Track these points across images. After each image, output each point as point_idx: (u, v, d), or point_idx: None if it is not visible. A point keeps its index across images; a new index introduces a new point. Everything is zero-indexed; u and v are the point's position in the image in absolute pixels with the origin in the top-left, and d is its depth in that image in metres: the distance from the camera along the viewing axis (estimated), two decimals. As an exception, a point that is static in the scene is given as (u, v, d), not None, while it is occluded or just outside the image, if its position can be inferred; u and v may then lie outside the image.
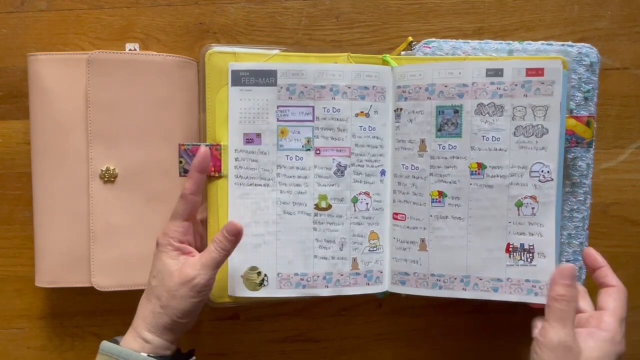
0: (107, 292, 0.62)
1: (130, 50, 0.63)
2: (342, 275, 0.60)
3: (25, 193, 0.66)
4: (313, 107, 0.59)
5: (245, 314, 0.69)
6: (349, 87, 0.59)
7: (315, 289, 0.60)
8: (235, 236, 0.54)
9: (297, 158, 0.60)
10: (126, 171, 0.62)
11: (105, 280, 0.62)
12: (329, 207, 0.60)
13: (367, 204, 0.60)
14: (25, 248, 0.67)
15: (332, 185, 0.60)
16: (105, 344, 0.54)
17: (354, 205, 0.60)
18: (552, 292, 0.51)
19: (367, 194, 0.60)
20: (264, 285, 0.60)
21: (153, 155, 0.62)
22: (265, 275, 0.60)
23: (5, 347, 0.68)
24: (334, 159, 0.59)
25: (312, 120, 0.59)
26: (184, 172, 0.59)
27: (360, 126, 0.59)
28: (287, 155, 0.59)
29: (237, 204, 0.60)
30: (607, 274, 0.55)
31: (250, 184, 0.60)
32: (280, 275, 0.60)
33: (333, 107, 0.59)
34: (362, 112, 0.59)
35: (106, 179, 0.62)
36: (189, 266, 0.54)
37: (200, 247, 0.59)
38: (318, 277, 0.60)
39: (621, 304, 0.53)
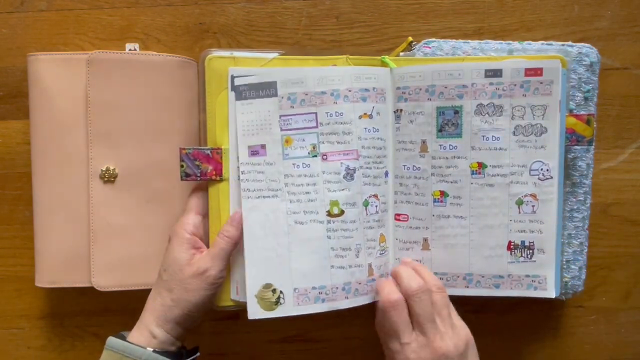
0: (107, 292, 0.62)
1: (130, 50, 0.63)
2: (360, 283, 0.59)
3: (25, 193, 0.66)
4: (316, 114, 0.58)
5: (245, 314, 0.68)
6: (349, 91, 0.58)
7: (336, 302, 0.58)
8: (240, 223, 0.57)
9: (305, 165, 0.58)
10: (126, 171, 0.62)
11: (105, 280, 0.62)
12: (342, 212, 0.58)
13: (376, 206, 0.59)
14: (25, 248, 0.67)
15: (343, 189, 0.58)
16: (111, 340, 0.54)
17: (366, 209, 0.59)
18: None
19: (375, 196, 0.59)
20: (281, 303, 0.57)
21: (153, 155, 0.62)
22: (281, 292, 0.57)
23: (5, 347, 0.68)
24: (341, 162, 0.58)
25: (316, 127, 0.58)
26: (186, 175, 0.59)
27: (365, 128, 0.59)
28: (293, 164, 0.58)
29: (246, 218, 0.58)
30: None
31: (259, 197, 0.58)
32: (297, 291, 0.57)
33: (336, 112, 0.58)
34: (365, 113, 0.59)
35: (106, 179, 0.62)
36: (200, 260, 0.55)
37: (208, 246, 0.59)
38: (337, 288, 0.58)
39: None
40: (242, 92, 0.58)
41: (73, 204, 0.62)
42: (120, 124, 0.61)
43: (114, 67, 0.61)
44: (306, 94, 0.58)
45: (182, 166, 0.59)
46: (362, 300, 0.59)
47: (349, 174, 0.58)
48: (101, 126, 0.61)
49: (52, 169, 0.62)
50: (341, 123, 0.58)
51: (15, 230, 0.67)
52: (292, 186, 0.58)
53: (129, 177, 0.62)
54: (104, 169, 0.62)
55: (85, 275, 0.62)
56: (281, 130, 0.58)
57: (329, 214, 0.58)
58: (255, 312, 0.58)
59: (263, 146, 0.58)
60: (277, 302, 0.57)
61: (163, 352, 0.54)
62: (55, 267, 0.62)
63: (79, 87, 0.61)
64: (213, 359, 0.69)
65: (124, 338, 0.54)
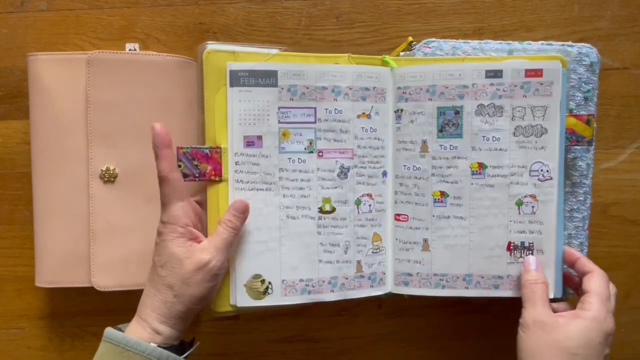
0: (107, 292, 0.62)
1: (130, 50, 0.63)
2: (347, 278, 0.59)
3: (25, 193, 0.66)
4: (315, 109, 0.58)
5: (245, 314, 0.69)
6: (350, 89, 0.58)
7: (321, 294, 0.59)
8: (243, 213, 0.56)
9: (300, 161, 0.58)
10: (126, 171, 0.62)
11: (105, 280, 0.62)
12: (333, 210, 0.59)
13: (369, 205, 0.60)
14: (25, 248, 0.67)
15: (336, 187, 0.59)
16: (109, 331, 0.52)
17: (357, 208, 0.60)
18: (522, 280, 0.57)
19: (369, 195, 0.60)
20: (269, 293, 0.58)
21: (153, 155, 0.62)
22: (270, 283, 0.58)
23: (5, 347, 0.68)
24: (337, 160, 0.59)
25: (314, 122, 0.58)
26: (184, 176, 0.57)
27: (362, 127, 0.59)
28: (289, 158, 0.58)
29: None
30: (585, 263, 0.58)
31: (252, 189, 0.58)
32: (285, 282, 0.58)
33: (335, 109, 0.58)
34: (363, 113, 0.59)
35: (106, 179, 0.62)
36: (201, 251, 0.53)
37: (202, 230, 0.57)
38: (323, 282, 0.59)
39: (601, 285, 0.55)
40: (241, 79, 0.57)
41: (73, 204, 0.62)
42: (120, 124, 0.61)
43: (114, 67, 0.61)
44: (307, 88, 0.58)
45: (179, 166, 0.57)
46: (349, 295, 0.60)
47: (343, 172, 0.59)
48: (101, 126, 0.61)
49: (52, 169, 0.62)
50: (339, 121, 0.59)
51: (15, 230, 0.67)
52: (287, 180, 0.58)
53: (129, 177, 0.62)
54: (104, 169, 0.62)
55: (85, 275, 0.62)
56: (279, 122, 0.58)
57: (321, 210, 0.59)
58: (243, 299, 0.58)
59: (259, 137, 0.58)
60: (266, 292, 0.58)
61: (167, 347, 0.52)
62: (55, 267, 0.62)
63: (79, 87, 0.61)
64: (213, 359, 0.69)
65: (122, 331, 0.53)
